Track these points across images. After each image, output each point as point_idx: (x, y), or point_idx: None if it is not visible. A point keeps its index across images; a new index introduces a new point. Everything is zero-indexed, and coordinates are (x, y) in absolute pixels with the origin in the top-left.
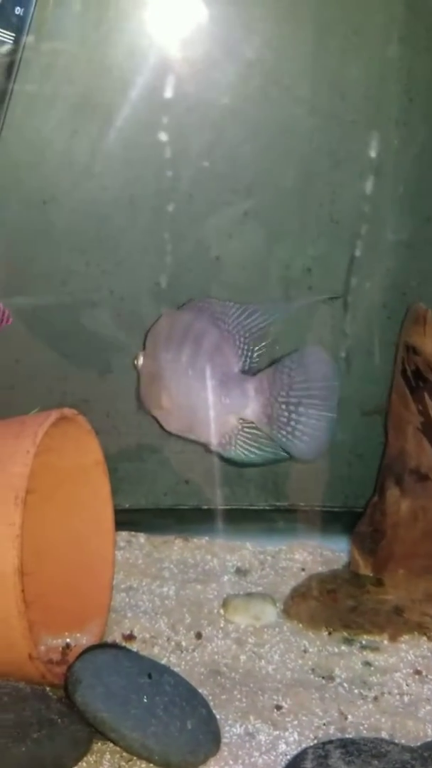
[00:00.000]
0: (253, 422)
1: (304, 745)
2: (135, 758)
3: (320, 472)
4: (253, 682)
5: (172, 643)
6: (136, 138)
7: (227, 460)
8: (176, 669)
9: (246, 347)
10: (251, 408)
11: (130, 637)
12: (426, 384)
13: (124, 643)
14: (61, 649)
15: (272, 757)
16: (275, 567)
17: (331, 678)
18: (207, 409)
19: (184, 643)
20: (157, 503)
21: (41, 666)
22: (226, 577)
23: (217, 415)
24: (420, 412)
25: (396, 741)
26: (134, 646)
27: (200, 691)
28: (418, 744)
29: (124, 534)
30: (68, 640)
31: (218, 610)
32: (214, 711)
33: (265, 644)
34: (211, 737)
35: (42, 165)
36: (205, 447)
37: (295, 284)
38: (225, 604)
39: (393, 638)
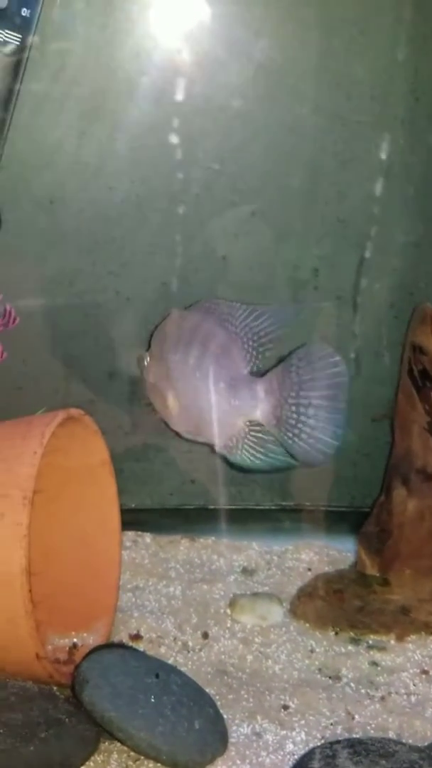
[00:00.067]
0: (260, 425)
1: (311, 745)
2: (142, 758)
3: (326, 471)
4: (260, 681)
5: (179, 643)
6: (143, 139)
7: (233, 465)
8: (183, 669)
9: (253, 349)
10: (261, 409)
11: (137, 637)
12: None
13: (130, 643)
14: (68, 648)
15: (279, 757)
16: (281, 567)
17: (338, 678)
18: (215, 411)
19: (190, 643)
20: (164, 503)
21: (48, 665)
22: (232, 577)
23: (226, 417)
24: (426, 412)
25: (403, 741)
26: (141, 646)
27: (207, 690)
28: (426, 744)
29: (130, 534)
30: (75, 639)
31: (225, 609)
32: (221, 711)
33: (271, 644)
34: (218, 737)
35: (49, 165)
36: (213, 448)
37: (301, 284)
38: (231, 603)
39: (400, 638)
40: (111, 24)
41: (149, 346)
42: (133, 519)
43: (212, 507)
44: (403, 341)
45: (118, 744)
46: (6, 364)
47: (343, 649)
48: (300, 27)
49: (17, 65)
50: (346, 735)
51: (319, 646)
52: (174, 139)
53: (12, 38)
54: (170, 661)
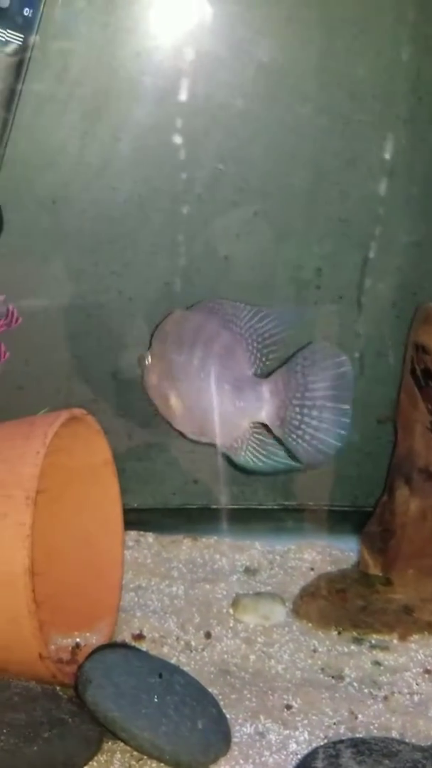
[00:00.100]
0: (263, 427)
1: (314, 745)
2: (146, 758)
3: (329, 471)
4: (263, 681)
5: (182, 643)
6: (145, 139)
7: (237, 466)
8: (186, 668)
9: (258, 351)
10: (266, 411)
11: (140, 637)
12: None
13: (133, 643)
14: (71, 648)
15: (282, 757)
16: (284, 566)
17: (340, 677)
18: (220, 413)
19: (193, 643)
20: (166, 503)
21: (52, 665)
22: (235, 577)
23: (231, 418)
24: (429, 411)
25: (407, 740)
26: (144, 646)
27: (210, 690)
28: (429, 743)
29: (132, 533)
30: (78, 639)
31: (227, 609)
32: (224, 710)
33: (274, 644)
34: (221, 737)
35: (51, 165)
36: (218, 449)
37: (303, 284)
38: (234, 603)
39: (403, 638)
40: (113, 23)
41: (150, 345)
42: (135, 519)
43: (215, 507)
44: (406, 341)
45: (122, 744)
46: (8, 364)
47: (345, 649)
48: (301, 26)
49: (19, 65)
50: (349, 735)
51: (321, 646)
52: (176, 139)
53: (14, 38)
54: (173, 661)
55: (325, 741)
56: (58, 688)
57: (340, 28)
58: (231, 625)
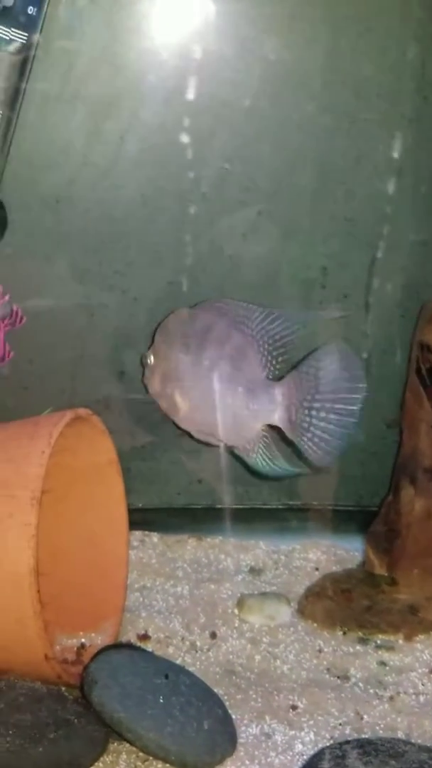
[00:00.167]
0: (274, 429)
1: (320, 745)
2: (151, 758)
3: (334, 470)
4: (269, 682)
5: (187, 643)
6: (150, 138)
7: (251, 469)
8: (191, 669)
9: (269, 353)
10: (279, 414)
11: (145, 637)
12: None
13: (138, 643)
14: (76, 649)
15: (288, 758)
16: (289, 566)
17: (346, 678)
18: (232, 415)
19: (198, 643)
20: (171, 502)
21: (57, 666)
22: (239, 577)
23: (244, 421)
24: None
25: (413, 741)
26: (149, 646)
27: (215, 691)
28: None
29: (137, 533)
30: (83, 640)
31: (232, 609)
32: (229, 711)
33: (279, 644)
34: (227, 737)
35: (55, 164)
36: (224, 448)
37: (308, 283)
38: (239, 603)
39: (408, 638)
40: (117, 22)
41: (152, 344)
42: (140, 518)
43: (219, 506)
44: (411, 340)
45: (127, 745)
46: (13, 363)
47: (351, 649)
48: (306, 25)
49: (23, 64)
50: (355, 735)
51: (327, 646)
52: (181, 137)
53: (18, 36)
54: (178, 662)
55: (331, 741)
56: (63, 688)
57: (345, 27)
58: (236, 625)
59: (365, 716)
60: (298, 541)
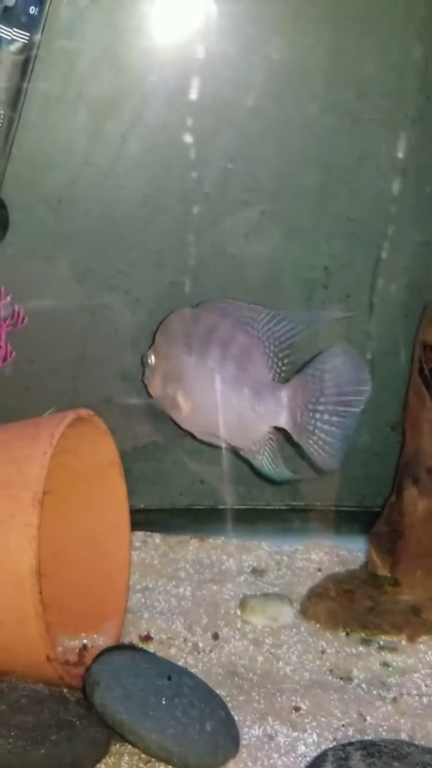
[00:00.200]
0: (279, 431)
1: (323, 747)
2: (154, 760)
3: (337, 471)
4: (271, 683)
5: (189, 644)
6: (152, 138)
7: (255, 469)
8: (193, 670)
9: (275, 355)
10: (284, 417)
11: (147, 638)
12: None
13: (141, 645)
14: (78, 650)
15: (291, 759)
16: (291, 567)
17: (349, 679)
18: (237, 416)
19: (201, 644)
20: (173, 503)
21: (59, 667)
22: (242, 578)
23: (250, 423)
24: None
25: (416, 742)
26: (151, 647)
27: (218, 692)
28: None
29: (139, 534)
30: (85, 641)
31: (235, 610)
32: (232, 712)
33: (282, 645)
34: (230, 739)
35: (57, 164)
36: (229, 449)
37: (311, 283)
38: (242, 604)
39: (411, 639)
40: (119, 21)
41: (152, 343)
42: (142, 519)
43: (222, 507)
44: (414, 340)
45: (129, 746)
46: (15, 364)
47: (354, 650)
48: (309, 24)
49: (25, 64)
50: (358, 737)
51: (330, 647)
52: (183, 137)
53: (19, 36)
54: (180, 663)
55: (334, 743)
56: (65, 690)
57: (347, 26)
58: (239, 626)
59: (368, 718)
60: (300, 541)
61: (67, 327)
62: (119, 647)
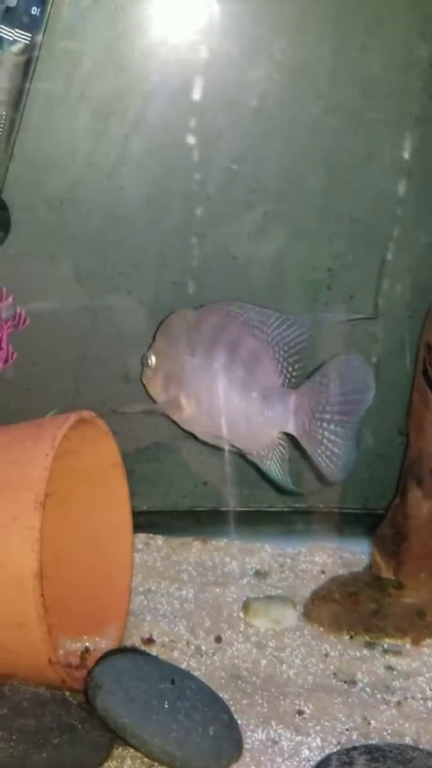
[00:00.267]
0: (288, 437)
1: (327, 751)
2: (156, 764)
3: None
4: (275, 686)
5: (192, 647)
6: (154, 138)
7: (262, 472)
8: (196, 673)
9: (284, 360)
10: (293, 423)
11: (150, 641)
12: None
13: (143, 647)
14: (80, 653)
15: (295, 763)
16: (295, 569)
17: (353, 682)
18: (245, 420)
19: (203, 647)
20: (176, 505)
21: (61, 671)
22: (245, 580)
23: (258, 428)
24: None
25: (421, 747)
26: (153, 650)
27: (221, 696)
28: None
29: (142, 536)
30: (87, 644)
31: (238, 613)
32: (235, 716)
33: (285, 648)
34: (233, 743)
35: (59, 165)
36: (234, 451)
37: (314, 284)
38: (245, 607)
39: (415, 642)
40: (121, 21)
41: (152, 343)
42: (144, 521)
43: (225, 509)
44: (418, 341)
45: (132, 750)
46: (16, 365)
47: (358, 654)
48: (314, 24)
49: (27, 64)
50: (362, 741)
51: (333, 650)
52: (186, 138)
53: (21, 37)
54: (183, 666)
55: (338, 747)
56: (67, 693)
57: (352, 25)
58: (242, 629)
59: (372, 721)
60: (304, 544)
61: (69, 328)
62: (121, 650)
